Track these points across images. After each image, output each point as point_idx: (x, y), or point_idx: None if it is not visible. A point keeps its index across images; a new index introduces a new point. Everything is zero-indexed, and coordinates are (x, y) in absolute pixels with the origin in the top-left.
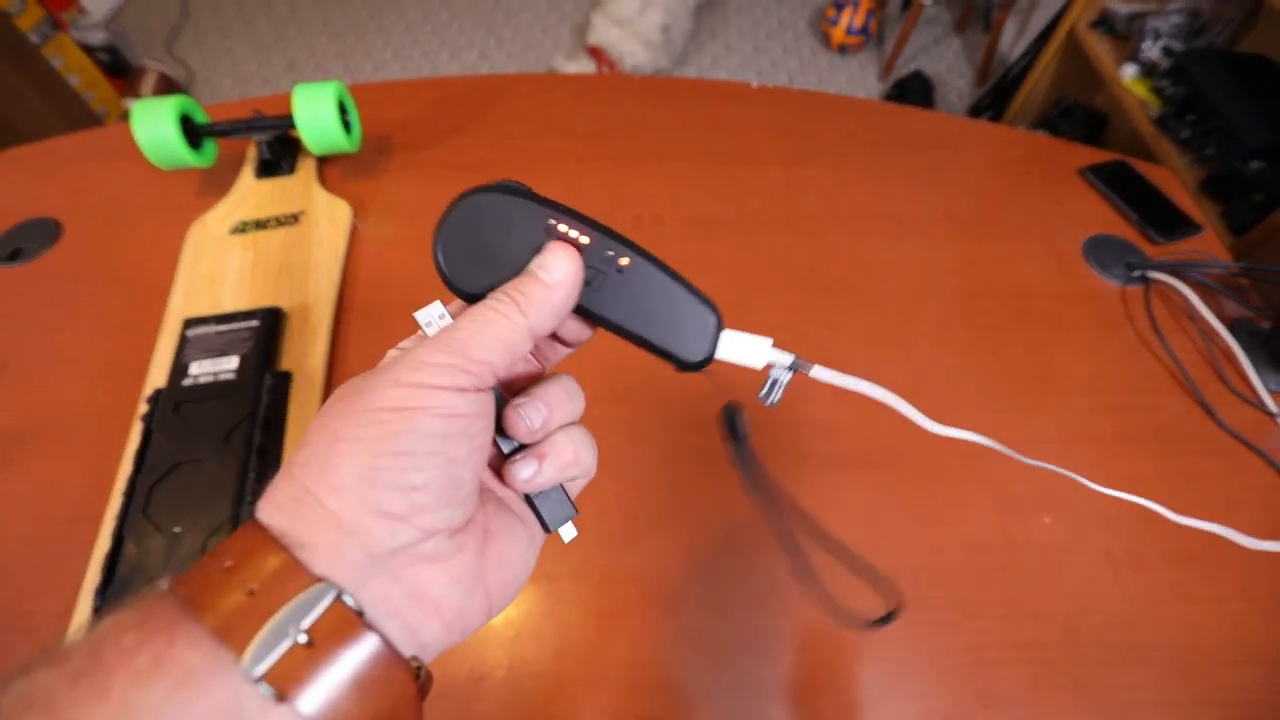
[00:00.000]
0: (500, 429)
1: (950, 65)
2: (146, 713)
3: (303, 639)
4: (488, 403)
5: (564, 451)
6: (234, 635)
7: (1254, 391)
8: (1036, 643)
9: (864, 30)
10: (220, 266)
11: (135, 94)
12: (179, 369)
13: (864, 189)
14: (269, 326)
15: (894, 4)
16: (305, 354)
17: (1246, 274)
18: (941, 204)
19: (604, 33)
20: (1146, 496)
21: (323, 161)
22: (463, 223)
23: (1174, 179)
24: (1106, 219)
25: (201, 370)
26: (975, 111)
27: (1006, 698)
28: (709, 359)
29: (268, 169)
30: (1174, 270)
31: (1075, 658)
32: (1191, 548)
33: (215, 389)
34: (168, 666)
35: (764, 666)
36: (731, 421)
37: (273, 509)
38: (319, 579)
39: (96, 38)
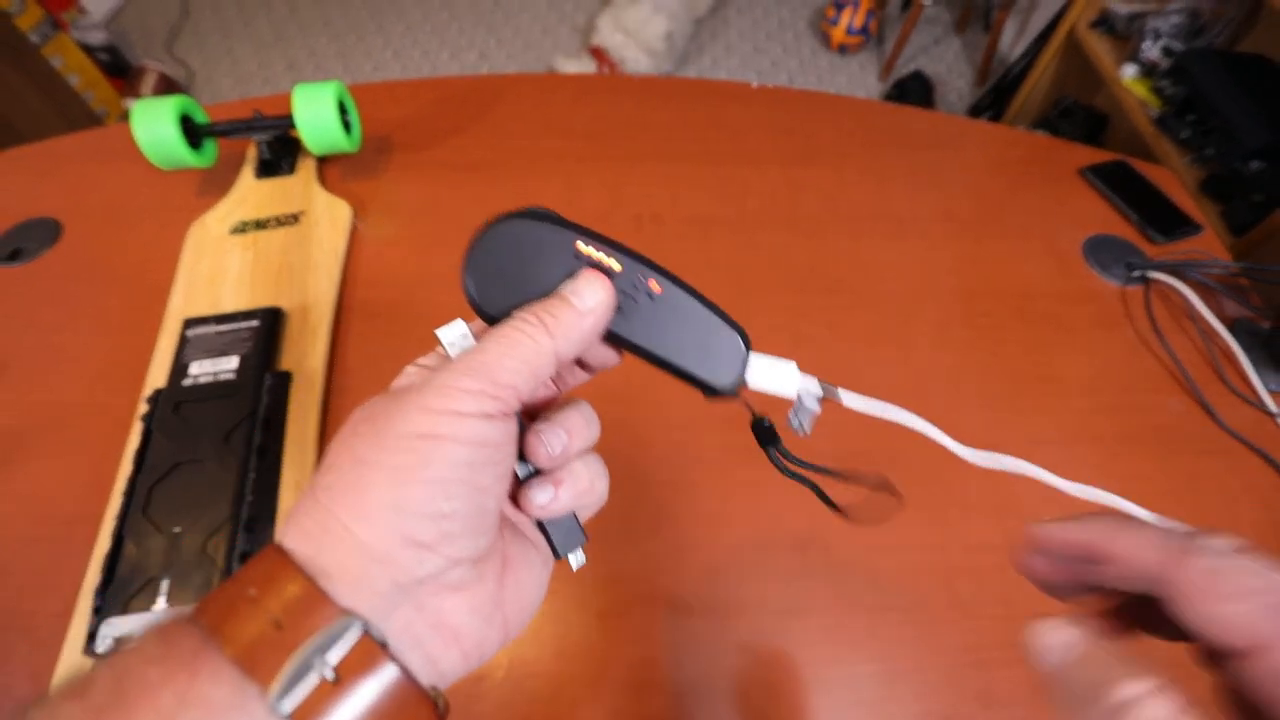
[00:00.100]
0: (519, 453)
1: (950, 65)
2: None
3: (330, 675)
4: (513, 429)
5: (580, 479)
6: (259, 669)
7: (1254, 391)
8: None
9: (864, 30)
10: (220, 266)
11: (135, 94)
12: (179, 369)
13: (864, 189)
14: (269, 326)
15: (894, 4)
16: (305, 354)
17: (1246, 274)
18: (941, 204)
19: (609, 37)
20: (1146, 496)
21: (323, 161)
22: (492, 248)
23: (1174, 179)
24: (1106, 219)
25: (201, 370)
26: (975, 111)
27: (1006, 698)
28: (739, 386)
29: (268, 169)
30: (1174, 270)
31: None
32: None
33: (215, 389)
34: (192, 702)
35: (764, 666)
36: (763, 432)
37: (299, 535)
38: (345, 611)
39: (96, 38)
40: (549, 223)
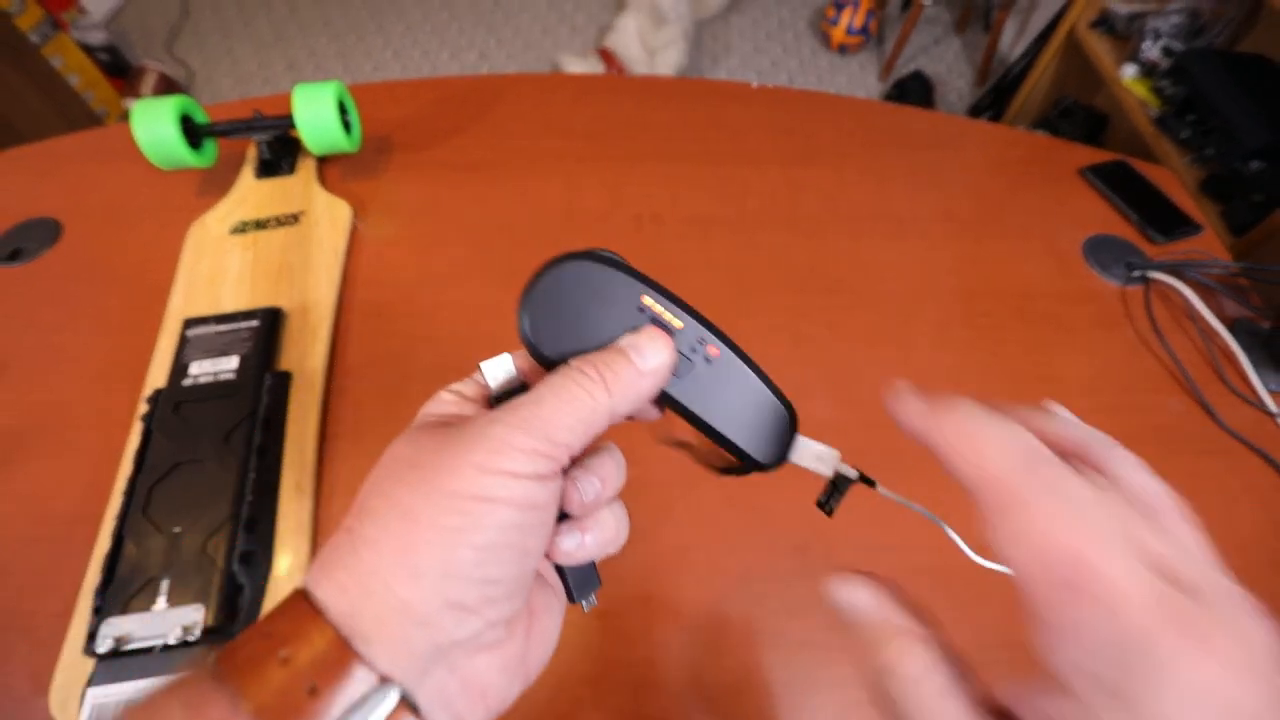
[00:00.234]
0: None
1: (950, 65)
2: None
3: None
4: (559, 487)
5: (607, 527)
6: None
7: (1254, 391)
8: None
9: (864, 30)
10: (220, 266)
11: (135, 94)
12: (179, 369)
13: (864, 189)
14: (269, 326)
15: (894, 4)
16: (305, 354)
17: (1246, 274)
18: (941, 204)
19: (627, 46)
20: None
21: (323, 161)
22: (553, 287)
23: (1174, 179)
24: (1106, 219)
25: (201, 370)
26: (975, 111)
27: None
28: (780, 463)
29: (268, 169)
30: (1174, 270)
31: None
32: None
33: (215, 389)
34: None
35: (764, 666)
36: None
37: (333, 589)
38: (383, 677)
39: (96, 38)
40: (617, 269)
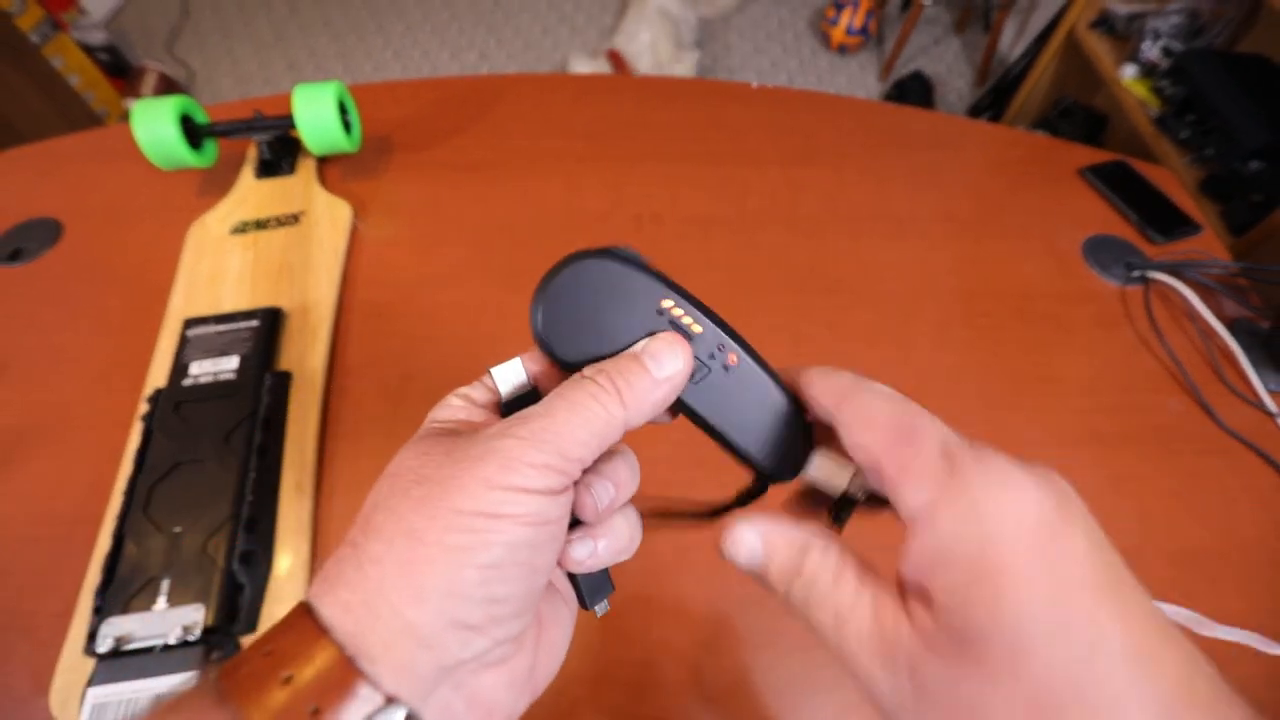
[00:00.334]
0: None
1: (950, 65)
2: None
3: None
4: (571, 500)
5: (620, 535)
6: None
7: (1253, 391)
8: None
9: (863, 30)
10: (220, 266)
11: (135, 94)
12: (179, 369)
13: (864, 189)
14: (269, 326)
15: (893, 4)
16: (305, 354)
17: (1246, 274)
18: (941, 204)
19: (639, 55)
20: (1146, 496)
21: (323, 162)
22: (569, 286)
23: (1173, 179)
24: (1106, 219)
25: (202, 370)
26: (975, 112)
27: None
28: (793, 477)
29: (268, 169)
30: (1173, 270)
31: None
32: (1188, 546)
33: (215, 389)
34: None
35: (764, 666)
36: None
37: (338, 607)
38: (389, 698)
39: (97, 38)
40: (638, 269)
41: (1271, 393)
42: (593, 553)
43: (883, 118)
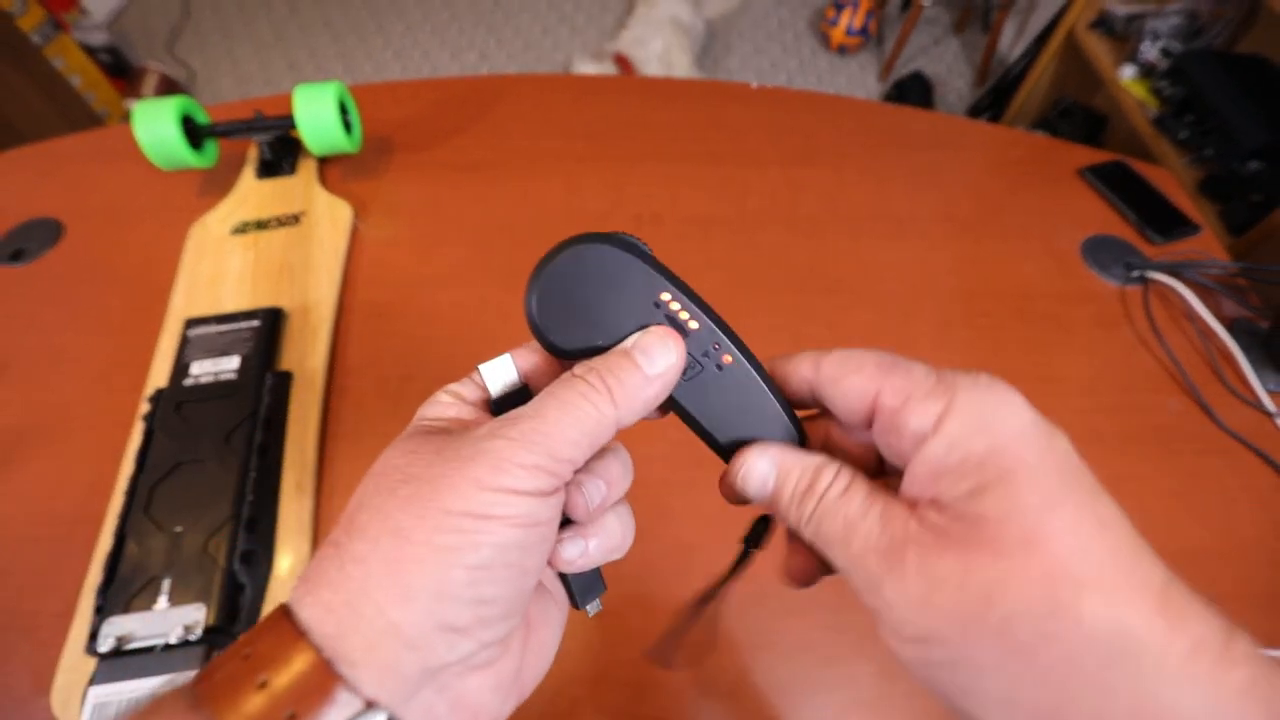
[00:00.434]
0: None
1: (949, 66)
2: None
3: None
4: (562, 500)
5: (613, 534)
6: None
7: (1252, 391)
8: None
9: (863, 31)
10: (221, 267)
11: (136, 95)
12: (180, 369)
13: (864, 189)
14: (270, 326)
15: (893, 5)
16: (306, 354)
17: (1245, 274)
18: (941, 204)
19: (648, 61)
20: (1146, 496)
21: (323, 162)
22: (567, 270)
23: (1172, 179)
24: (1105, 219)
25: (203, 370)
26: (974, 112)
27: None
28: None
29: (269, 169)
30: (1173, 270)
31: None
32: (1188, 546)
33: (216, 389)
34: None
35: (764, 666)
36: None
37: (319, 608)
38: (369, 702)
39: (98, 39)
40: (639, 259)
41: (1270, 393)
42: (584, 552)
43: (883, 118)
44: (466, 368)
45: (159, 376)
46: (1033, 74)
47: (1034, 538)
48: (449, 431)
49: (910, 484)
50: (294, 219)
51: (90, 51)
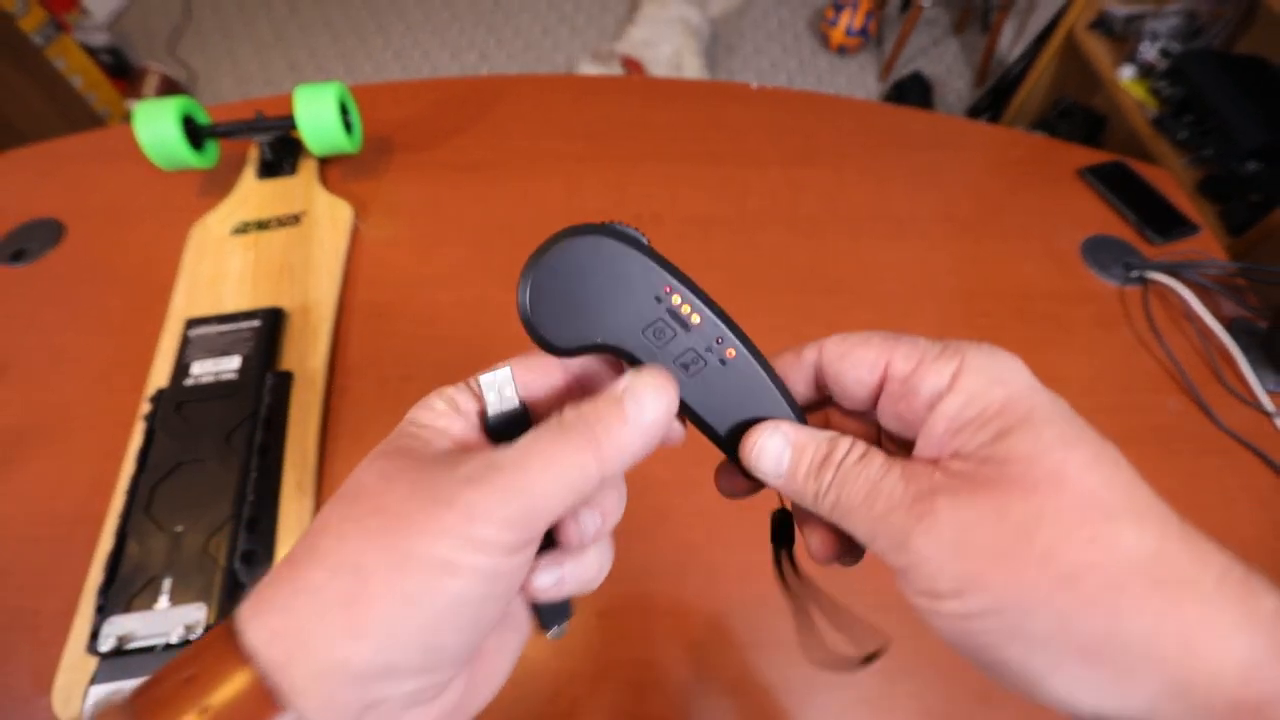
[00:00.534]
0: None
1: (949, 66)
2: None
3: None
4: (532, 555)
5: (589, 566)
6: None
7: (1251, 391)
8: None
9: (863, 31)
10: (222, 267)
11: (137, 95)
12: (181, 369)
13: (864, 189)
14: (270, 327)
15: (893, 5)
16: (306, 354)
17: (1244, 274)
18: (941, 205)
19: (655, 65)
20: None
21: (324, 162)
22: (562, 263)
23: (1172, 179)
24: (1105, 219)
25: (203, 370)
26: (974, 112)
27: (1007, 697)
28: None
29: (269, 170)
30: (1172, 270)
31: None
32: None
33: (217, 389)
34: None
35: (764, 666)
36: (782, 527)
37: (266, 634)
38: None
39: (99, 39)
40: (639, 251)
41: (1269, 393)
42: (559, 582)
43: (882, 118)
44: (466, 367)
45: (160, 376)
46: (1032, 74)
47: (1062, 472)
48: (431, 453)
49: (926, 445)
50: (294, 219)
51: (91, 52)
